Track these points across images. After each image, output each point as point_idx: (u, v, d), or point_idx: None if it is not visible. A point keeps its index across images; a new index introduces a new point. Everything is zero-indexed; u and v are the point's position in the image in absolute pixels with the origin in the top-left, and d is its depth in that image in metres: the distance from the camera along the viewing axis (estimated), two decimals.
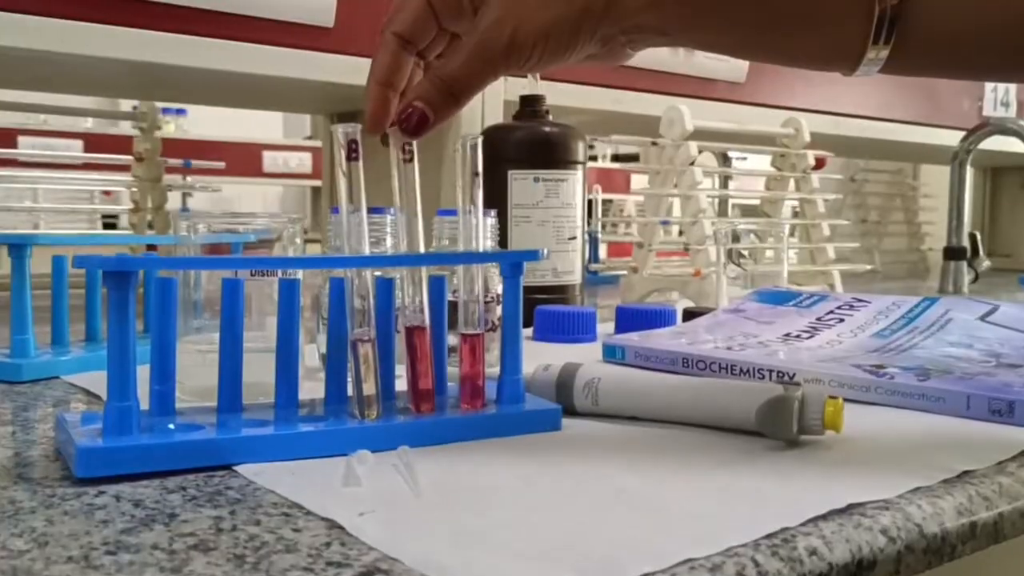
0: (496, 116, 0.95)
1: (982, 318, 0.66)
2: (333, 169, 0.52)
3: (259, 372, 0.44)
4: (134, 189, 1.08)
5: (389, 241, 0.60)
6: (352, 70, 0.86)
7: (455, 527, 0.31)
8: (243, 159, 3.68)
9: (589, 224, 1.46)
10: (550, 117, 0.87)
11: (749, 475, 0.38)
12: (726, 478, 0.38)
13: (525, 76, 0.85)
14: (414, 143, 0.44)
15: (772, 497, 0.35)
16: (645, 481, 0.37)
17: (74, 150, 2.61)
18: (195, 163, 1.21)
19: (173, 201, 1.16)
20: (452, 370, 0.47)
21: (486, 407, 0.45)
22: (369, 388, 0.42)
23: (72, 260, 0.37)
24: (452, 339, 0.47)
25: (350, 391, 0.43)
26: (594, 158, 2.68)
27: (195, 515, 0.32)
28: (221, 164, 1.19)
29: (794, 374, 0.56)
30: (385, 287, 0.45)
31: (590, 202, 1.53)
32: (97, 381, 0.55)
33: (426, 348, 0.44)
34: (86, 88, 1.02)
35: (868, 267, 1.19)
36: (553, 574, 0.28)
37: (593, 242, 1.43)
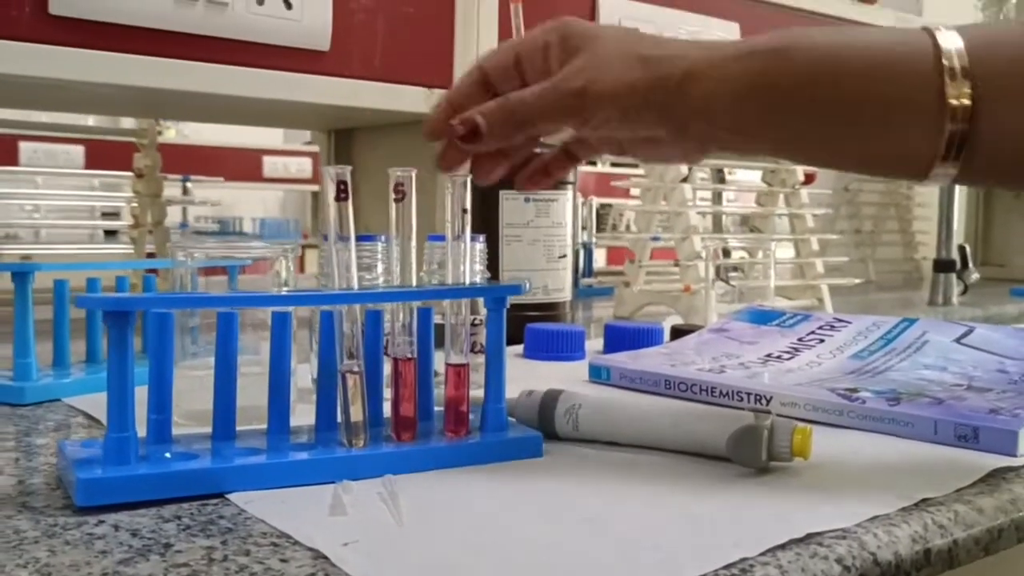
0: None
1: (958, 340, 0.68)
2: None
3: (254, 396, 0.46)
4: (134, 204, 1.10)
5: (380, 267, 0.62)
6: (347, 92, 0.88)
7: (433, 558, 0.33)
8: (243, 164, 3.70)
9: (584, 235, 1.48)
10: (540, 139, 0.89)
11: (717, 503, 0.40)
12: (695, 506, 0.40)
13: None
14: (410, 183, 0.46)
15: (736, 526, 0.37)
16: (616, 509, 0.39)
17: (75, 155, 2.64)
18: (194, 177, 1.23)
19: (173, 215, 1.18)
20: (441, 391, 0.49)
21: (470, 434, 0.47)
22: (356, 417, 0.44)
23: (75, 300, 0.39)
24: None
25: (339, 417, 0.45)
26: (593, 163, 2.70)
27: (189, 545, 0.34)
28: (220, 179, 1.21)
29: (771, 397, 0.58)
30: (373, 318, 0.47)
31: (592, 211, 1.55)
32: (97, 404, 0.57)
33: (412, 378, 0.46)
34: (89, 108, 1.04)
35: (857, 280, 1.21)
36: None
37: (588, 254, 1.44)
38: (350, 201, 0.45)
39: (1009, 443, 0.49)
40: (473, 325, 0.61)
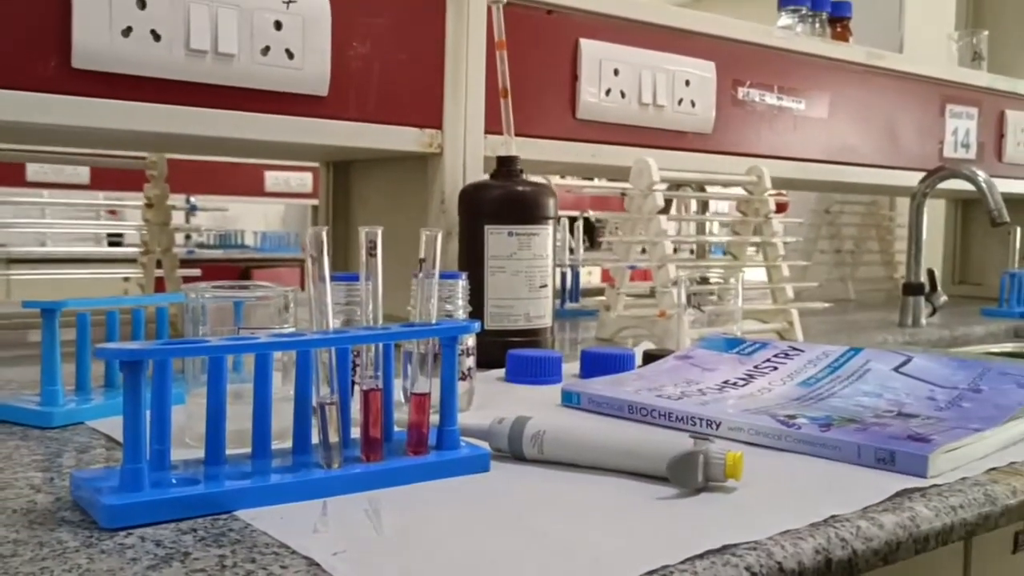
0: (477, 170, 1.04)
1: (896, 368, 0.75)
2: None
3: (245, 421, 0.52)
4: (144, 232, 1.17)
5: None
6: (344, 133, 0.95)
7: (409, 564, 0.40)
8: (246, 178, 3.78)
9: (571, 256, 1.54)
10: (524, 176, 0.96)
11: (653, 519, 0.47)
12: (633, 521, 0.46)
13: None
14: (377, 240, 0.53)
15: (664, 538, 0.44)
16: (563, 523, 0.46)
17: (82, 171, 2.71)
18: (195, 197, 1.30)
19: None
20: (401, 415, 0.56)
21: (429, 452, 0.54)
22: (333, 440, 0.51)
23: (95, 351, 0.46)
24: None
25: (315, 440, 0.52)
26: (590, 177, 2.77)
27: (204, 553, 0.41)
28: (226, 210, 1.28)
29: (720, 423, 0.65)
30: (343, 354, 0.53)
31: (583, 222, 1.60)
32: (116, 427, 0.64)
33: (379, 407, 0.53)
34: (106, 146, 1.11)
35: (826, 305, 1.28)
36: None
37: (575, 276, 1.51)
38: (327, 257, 0.51)
39: (921, 466, 0.55)
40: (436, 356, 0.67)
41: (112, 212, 2.54)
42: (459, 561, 0.41)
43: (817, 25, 1.51)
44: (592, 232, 2.61)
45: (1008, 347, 1.52)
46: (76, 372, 0.69)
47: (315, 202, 4.32)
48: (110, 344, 0.46)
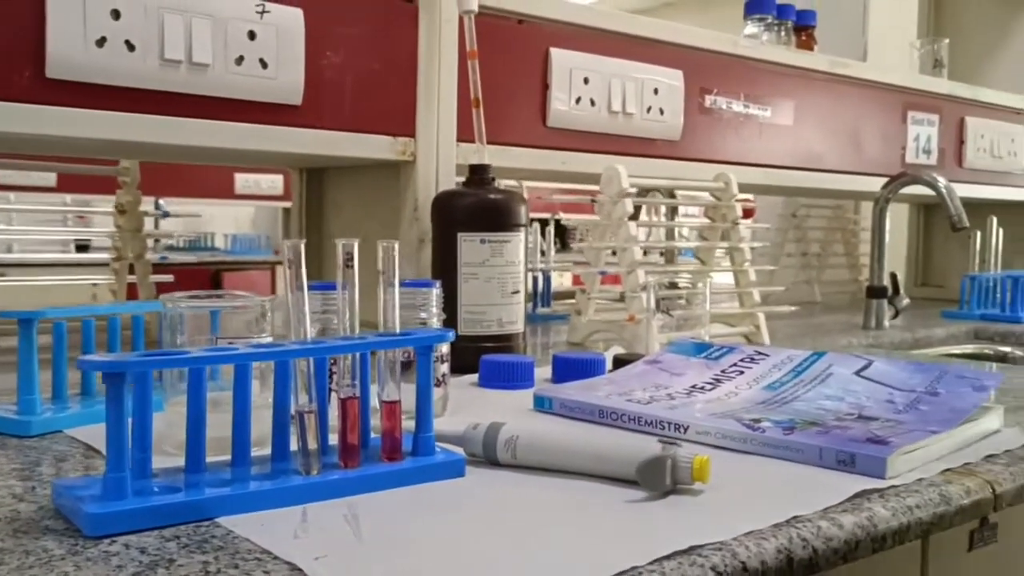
0: (450, 177, 1.05)
1: (857, 372, 0.77)
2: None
3: (223, 429, 0.53)
4: (116, 238, 1.17)
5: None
6: (318, 141, 0.96)
7: (389, 569, 0.41)
8: (217, 181, 3.76)
9: (543, 259, 1.56)
10: (496, 183, 0.98)
11: (622, 521, 0.49)
12: (603, 524, 0.48)
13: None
14: (354, 252, 0.54)
15: (634, 540, 0.45)
16: (536, 527, 0.47)
17: (48, 177, 2.69)
18: (164, 200, 1.31)
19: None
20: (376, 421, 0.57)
21: (404, 458, 0.55)
22: (312, 447, 0.52)
23: (76, 362, 0.47)
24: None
25: (294, 447, 0.53)
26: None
27: (189, 560, 0.42)
28: (199, 215, 1.28)
29: (688, 427, 0.67)
30: (321, 363, 0.55)
31: (555, 225, 1.62)
32: (94, 435, 0.65)
33: (356, 414, 0.54)
34: (80, 154, 1.11)
35: (792, 308, 1.30)
36: None
37: (547, 281, 1.53)
38: (303, 268, 0.53)
39: (879, 468, 0.58)
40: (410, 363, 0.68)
41: (80, 217, 2.52)
42: (438, 565, 0.42)
43: (782, 33, 1.54)
44: (564, 235, 2.63)
45: (968, 348, 1.56)
46: (52, 381, 0.70)
47: (286, 204, 4.30)
48: (92, 356, 0.47)
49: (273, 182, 4.05)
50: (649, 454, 0.53)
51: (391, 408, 0.55)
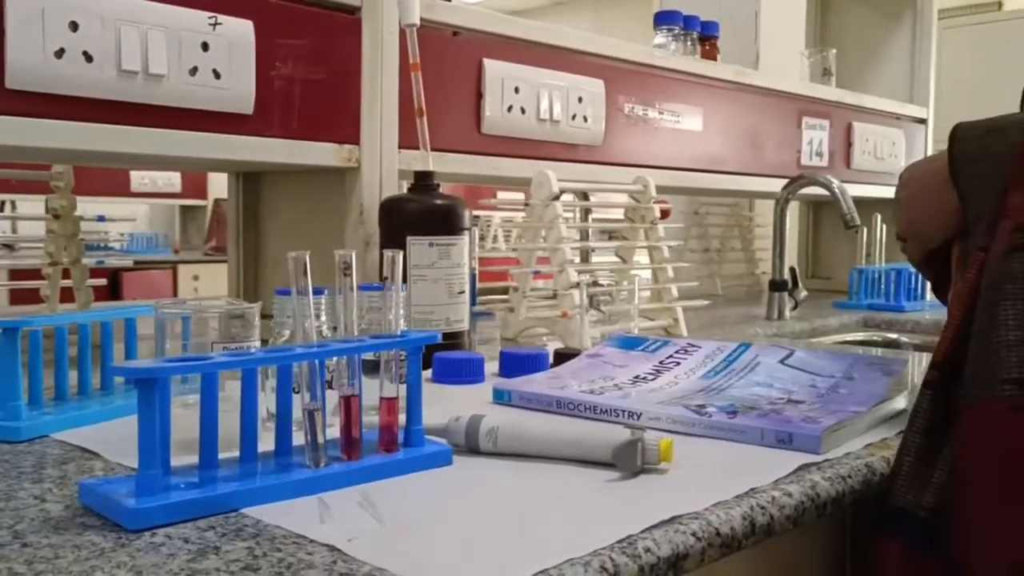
0: (392, 182, 1.10)
1: (782, 361, 0.86)
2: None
3: (231, 427, 0.57)
4: (49, 243, 1.17)
5: (323, 317, 0.74)
6: (267, 148, 0.99)
7: (414, 545, 0.47)
8: (111, 178, 3.66)
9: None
10: (440, 189, 1.03)
11: (607, 498, 0.55)
12: (592, 501, 0.55)
13: None
14: (351, 261, 0.59)
15: (622, 514, 0.52)
16: (534, 508, 0.53)
17: None
18: (108, 216, 1.31)
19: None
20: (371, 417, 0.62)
21: (399, 450, 0.60)
22: (320, 442, 0.57)
23: (109, 367, 0.50)
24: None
25: (301, 442, 0.57)
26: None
27: (232, 546, 0.46)
28: (134, 219, 1.28)
29: (641, 414, 0.74)
30: (321, 364, 0.59)
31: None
32: (83, 437, 0.67)
33: (356, 410, 0.59)
34: (31, 161, 1.11)
35: (706, 303, 1.40)
36: (482, 565, 0.43)
37: (472, 279, 1.58)
38: (308, 276, 0.57)
39: (814, 444, 0.66)
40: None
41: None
42: (456, 543, 0.48)
43: (689, 44, 1.64)
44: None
45: (859, 335, 1.70)
46: (28, 386, 0.72)
47: (184, 202, 4.21)
48: (127, 363, 0.50)
49: (170, 179, 3.97)
50: (623, 438, 0.60)
51: (390, 404, 0.60)
